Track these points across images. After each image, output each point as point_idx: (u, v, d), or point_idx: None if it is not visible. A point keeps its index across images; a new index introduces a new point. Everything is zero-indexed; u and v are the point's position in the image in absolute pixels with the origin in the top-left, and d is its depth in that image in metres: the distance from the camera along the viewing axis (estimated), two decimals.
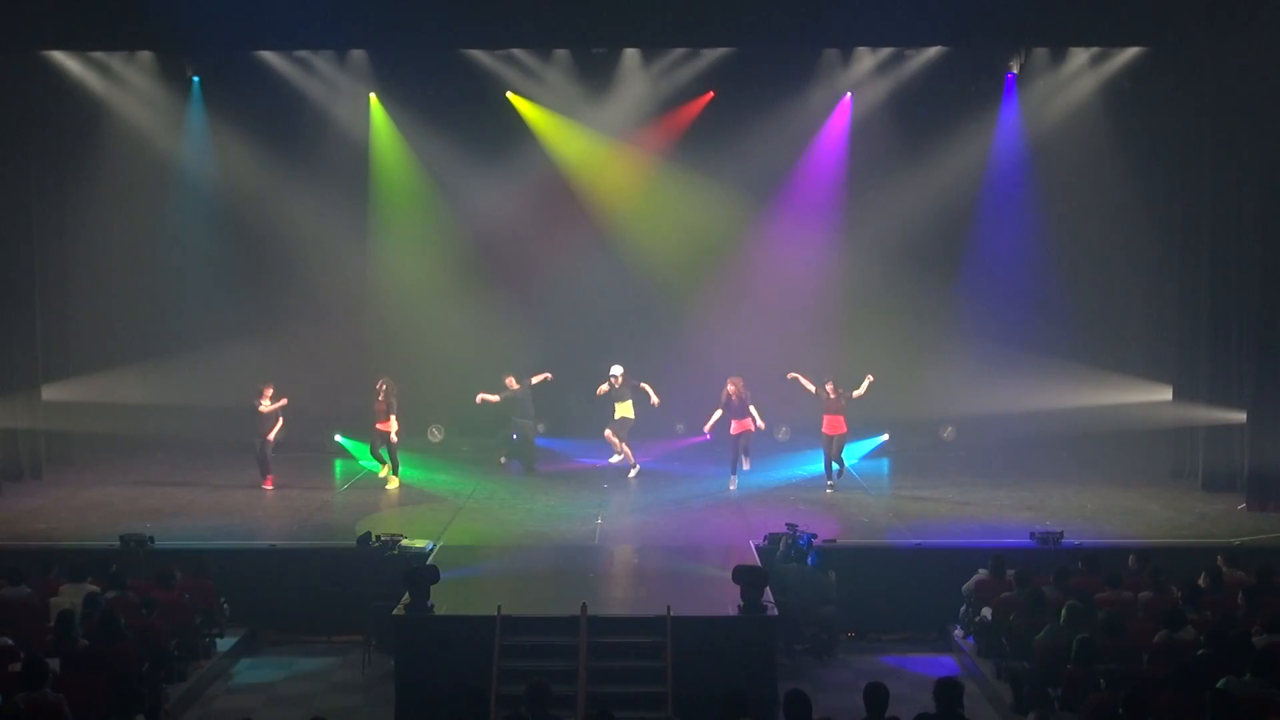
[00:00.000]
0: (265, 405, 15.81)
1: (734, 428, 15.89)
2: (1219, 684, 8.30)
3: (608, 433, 16.65)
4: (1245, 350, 15.83)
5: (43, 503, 15.54)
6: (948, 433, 18.62)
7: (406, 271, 19.15)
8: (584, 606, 10.33)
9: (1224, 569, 11.44)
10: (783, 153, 18.95)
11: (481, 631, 10.33)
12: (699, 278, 19.09)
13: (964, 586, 12.11)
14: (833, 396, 15.75)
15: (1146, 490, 16.02)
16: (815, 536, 12.52)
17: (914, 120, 18.03)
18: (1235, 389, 15.93)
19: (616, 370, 16.52)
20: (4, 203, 16.56)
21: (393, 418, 16.01)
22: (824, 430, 15.92)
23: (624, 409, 16.56)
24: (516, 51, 17.65)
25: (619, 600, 11.15)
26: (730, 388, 15.78)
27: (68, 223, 17.78)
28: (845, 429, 15.82)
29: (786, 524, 12.73)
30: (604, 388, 16.60)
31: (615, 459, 16.79)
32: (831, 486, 15.86)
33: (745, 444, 16.03)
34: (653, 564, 12.79)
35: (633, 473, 16.68)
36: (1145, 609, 10.62)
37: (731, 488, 15.88)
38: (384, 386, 16.11)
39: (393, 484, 16.16)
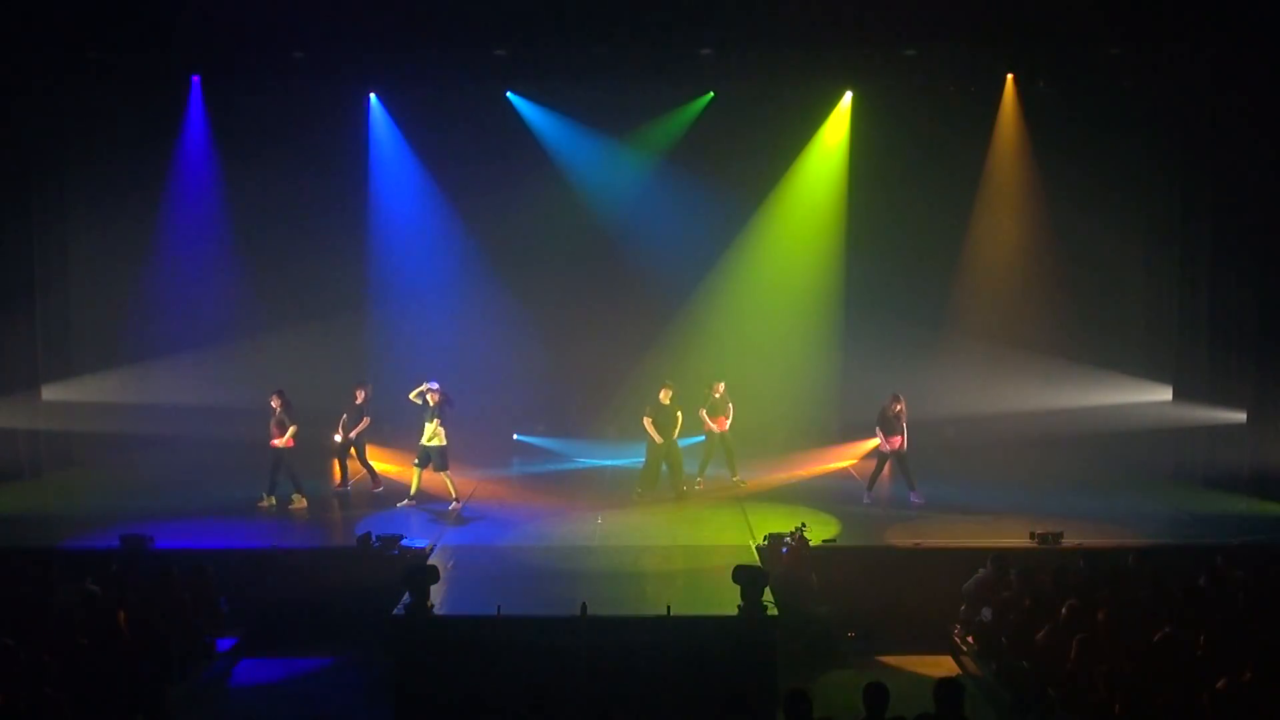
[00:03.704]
0: (358, 401, 15.71)
1: (884, 445, 15.28)
2: (1219, 684, 8.31)
3: (444, 474, 14.96)
4: (1245, 350, 15.85)
5: (43, 503, 15.54)
6: (950, 433, 18.53)
7: (406, 271, 19.15)
8: (584, 606, 10.33)
9: (1224, 569, 11.44)
10: (783, 153, 18.99)
11: (481, 631, 10.33)
12: (698, 277, 19.12)
13: (964, 586, 12.11)
14: (718, 396, 16.12)
15: (1146, 490, 16.03)
16: (800, 538, 12.56)
17: (914, 120, 18.01)
18: (1235, 389, 15.95)
19: (433, 385, 15.00)
20: (4, 203, 16.57)
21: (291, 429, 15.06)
22: (719, 429, 16.12)
23: (434, 435, 14.87)
24: (516, 51, 17.64)
25: (619, 600, 11.14)
26: (898, 405, 15.16)
27: (68, 223, 17.77)
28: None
29: (801, 524, 12.80)
30: (415, 396, 15.02)
31: (427, 504, 15.00)
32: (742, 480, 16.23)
33: (895, 462, 15.38)
34: (653, 564, 12.79)
35: (455, 506, 14.93)
36: (1145, 609, 10.62)
37: (866, 501, 15.33)
38: (281, 400, 15.12)
39: (300, 504, 15.19)
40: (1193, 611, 10.15)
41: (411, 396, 15.14)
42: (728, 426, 16.23)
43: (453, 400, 15.16)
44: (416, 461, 15.12)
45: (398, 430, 16.64)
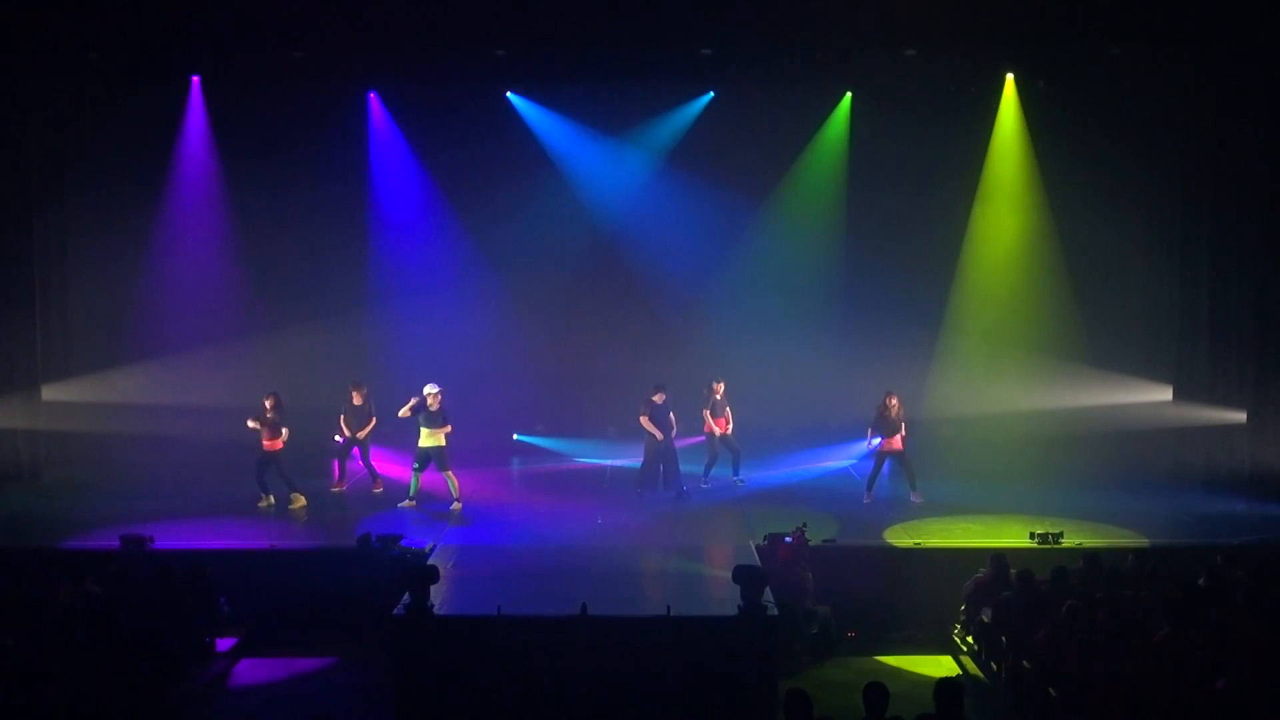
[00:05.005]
0: (358, 402, 15.78)
1: (884, 445, 15.28)
2: (1219, 684, 8.31)
3: (449, 473, 14.93)
4: (1245, 350, 15.85)
5: (43, 503, 15.54)
6: (950, 433, 18.47)
7: (406, 271, 19.15)
8: (584, 606, 10.33)
9: (1224, 569, 11.44)
10: (783, 153, 18.99)
11: (481, 631, 10.33)
12: (698, 277, 19.12)
13: (964, 586, 12.11)
14: (719, 397, 16.11)
15: (1146, 490, 16.02)
16: (799, 537, 12.58)
17: (914, 120, 18.00)
18: (1235, 389, 15.95)
19: (432, 389, 14.93)
20: (5, 203, 16.57)
21: (284, 430, 15.17)
22: (720, 431, 16.13)
23: (434, 436, 14.90)
24: (516, 51, 17.60)
25: (619, 600, 11.14)
26: (894, 402, 15.16)
27: (68, 222, 17.76)
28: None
29: (802, 523, 12.78)
30: (407, 411, 15.01)
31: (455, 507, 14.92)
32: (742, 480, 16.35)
33: (893, 462, 15.43)
34: (653, 564, 12.79)
35: (456, 506, 14.95)
36: (1145, 609, 10.62)
37: (865, 501, 15.34)
38: (276, 403, 15.16)
39: (300, 503, 15.21)
40: (1193, 611, 10.15)
41: (402, 414, 15.07)
42: (730, 429, 16.22)
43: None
44: (416, 465, 15.12)
45: (398, 430, 16.63)
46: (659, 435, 15.58)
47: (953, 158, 18.36)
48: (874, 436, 15.42)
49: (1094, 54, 16.68)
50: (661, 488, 15.77)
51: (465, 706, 10.22)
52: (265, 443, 15.15)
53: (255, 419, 15.10)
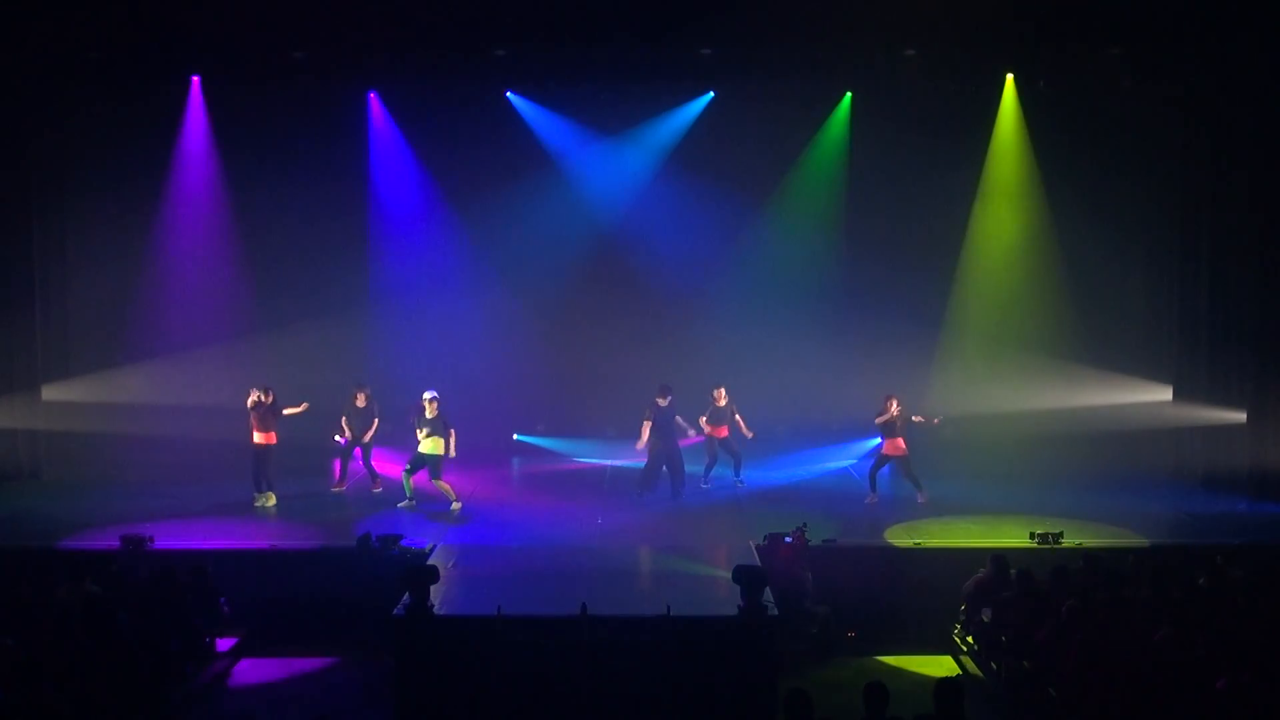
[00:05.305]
0: (361, 404, 15.84)
1: (887, 448, 15.35)
2: (1219, 684, 8.31)
3: (440, 482, 14.90)
4: (1245, 350, 15.86)
5: (43, 503, 15.55)
6: (949, 432, 18.49)
7: (406, 270, 19.15)
8: (584, 606, 10.33)
9: (1224, 569, 11.43)
10: (783, 153, 18.99)
11: (481, 631, 10.33)
12: (698, 277, 19.10)
13: (964, 586, 12.11)
14: (723, 404, 16.10)
15: (1146, 490, 16.02)
16: (799, 537, 12.55)
17: (914, 120, 18.00)
18: (1235, 389, 15.96)
19: (429, 395, 14.97)
20: (5, 203, 16.57)
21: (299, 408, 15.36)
22: (715, 434, 16.13)
23: (433, 444, 14.88)
24: (516, 51, 17.61)
25: (619, 600, 11.13)
26: (892, 405, 15.16)
27: (68, 222, 17.76)
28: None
29: (802, 523, 12.79)
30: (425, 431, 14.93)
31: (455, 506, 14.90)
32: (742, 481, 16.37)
33: (897, 466, 15.48)
34: (653, 564, 12.79)
35: (455, 507, 14.95)
36: (1145, 609, 10.61)
37: (869, 501, 15.38)
38: (270, 395, 15.22)
39: (271, 501, 15.32)
40: (1193, 611, 10.15)
41: (421, 437, 15.07)
42: (746, 432, 16.16)
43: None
44: (407, 467, 15.10)
45: (399, 430, 16.64)
46: (640, 443, 15.55)
47: (953, 158, 18.35)
48: (886, 441, 15.43)
49: (1094, 55, 16.68)
50: (664, 488, 15.76)
51: (465, 706, 10.22)
52: (258, 435, 15.17)
53: (251, 398, 15.16)
